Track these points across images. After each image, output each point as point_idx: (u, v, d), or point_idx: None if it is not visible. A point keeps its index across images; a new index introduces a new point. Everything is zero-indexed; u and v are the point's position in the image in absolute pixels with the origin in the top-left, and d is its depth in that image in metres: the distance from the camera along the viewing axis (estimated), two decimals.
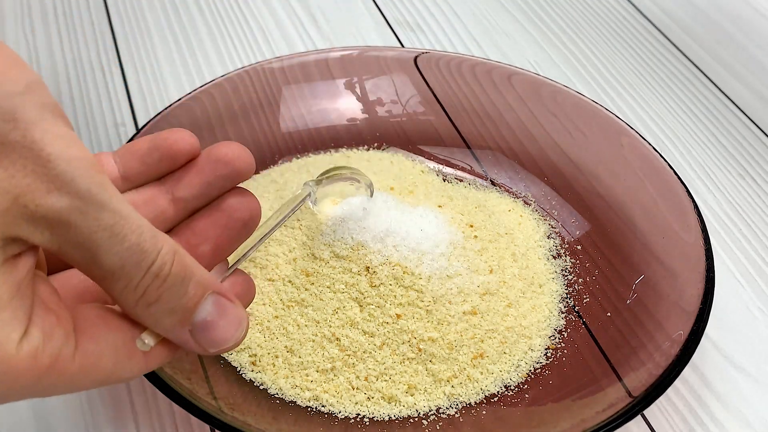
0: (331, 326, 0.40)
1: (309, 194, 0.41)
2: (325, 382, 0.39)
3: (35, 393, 0.26)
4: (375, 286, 0.41)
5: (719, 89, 0.64)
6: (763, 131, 0.60)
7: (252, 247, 0.34)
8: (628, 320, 0.42)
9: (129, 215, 0.26)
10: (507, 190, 0.51)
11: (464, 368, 0.40)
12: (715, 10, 0.73)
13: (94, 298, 0.31)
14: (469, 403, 0.40)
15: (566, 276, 0.46)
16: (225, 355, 0.40)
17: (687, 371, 0.44)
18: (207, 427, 0.39)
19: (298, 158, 0.52)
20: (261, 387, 0.39)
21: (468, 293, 0.41)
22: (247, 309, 0.41)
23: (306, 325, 0.40)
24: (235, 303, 0.29)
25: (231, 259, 0.33)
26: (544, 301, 0.44)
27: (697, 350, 0.38)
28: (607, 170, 0.50)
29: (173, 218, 0.33)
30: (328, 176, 0.43)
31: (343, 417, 0.39)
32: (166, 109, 0.49)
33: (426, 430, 0.38)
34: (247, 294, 0.34)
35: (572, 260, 0.47)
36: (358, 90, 0.55)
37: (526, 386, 0.41)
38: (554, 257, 0.47)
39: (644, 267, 0.45)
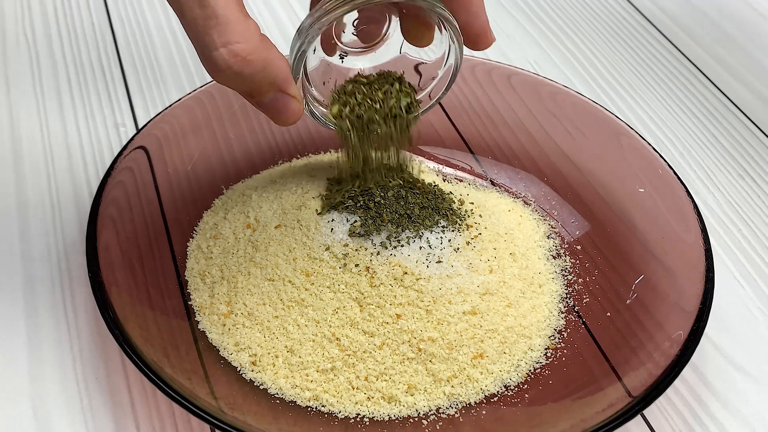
0: (331, 326, 0.40)
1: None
2: (325, 382, 0.39)
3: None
4: (375, 286, 0.41)
5: (719, 89, 0.64)
6: (762, 131, 0.61)
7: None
8: (627, 320, 0.42)
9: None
10: (507, 190, 0.51)
11: (464, 368, 0.40)
12: (715, 10, 0.73)
13: None
14: (469, 403, 0.40)
15: (566, 276, 0.46)
16: (225, 355, 0.41)
17: (687, 371, 0.44)
18: (207, 427, 0.39)
19: (298, 158, 0.52)
20: (261, 387, 0.40)
21: (468, 293, 0.41)
22: (247, 309, 0.41)
23: (306, 325, 0.40)
24: (293, 98, 0.37)
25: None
26: (544, 301, 0.44)
27: (696, 350, 0.38)
28: (607, 170, 0.50)
29: None
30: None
31: (343, 417, 0.39)
32: (166, 109, 0.49)
33: (426, 430, 0.38)
34: None
35: (572, 260, 0.47)
36: None
37: (525, 386, 0.41)
38: (554, 257, 0.47)
39: (644, 267, 0.45)
